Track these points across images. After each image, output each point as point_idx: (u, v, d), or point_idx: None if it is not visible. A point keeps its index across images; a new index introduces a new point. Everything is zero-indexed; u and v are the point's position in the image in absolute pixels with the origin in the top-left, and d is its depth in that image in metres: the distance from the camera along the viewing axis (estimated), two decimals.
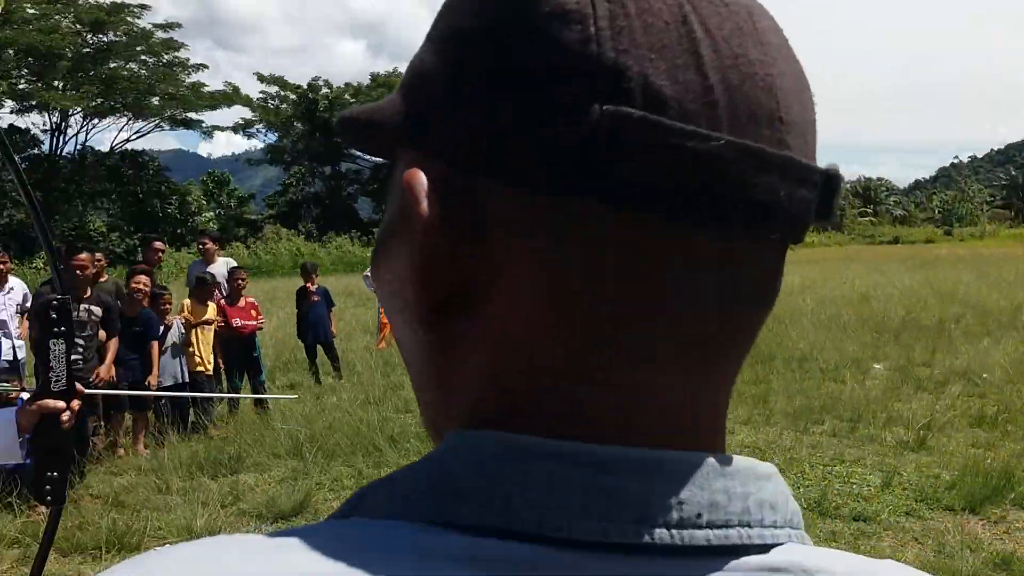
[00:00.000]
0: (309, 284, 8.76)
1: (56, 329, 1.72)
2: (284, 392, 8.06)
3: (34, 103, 27.07)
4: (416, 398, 0.40)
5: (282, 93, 38.86)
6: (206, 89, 32.00)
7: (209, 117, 38.87)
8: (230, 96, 33.65)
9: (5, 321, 6.26)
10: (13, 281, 6.67)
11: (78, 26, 27.40)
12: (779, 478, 0.36)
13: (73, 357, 5.39)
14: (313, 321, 8.67)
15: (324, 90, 39.08)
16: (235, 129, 38.71)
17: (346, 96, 38.93)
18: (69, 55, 26.46)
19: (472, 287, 0.35)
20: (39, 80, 26.67)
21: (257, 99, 37.89)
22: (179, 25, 30.89)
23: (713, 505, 0.32)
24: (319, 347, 8.84)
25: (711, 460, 0.33)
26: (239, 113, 37.77)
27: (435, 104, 0.35)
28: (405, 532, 0.32)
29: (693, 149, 0.31)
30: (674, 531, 0.31)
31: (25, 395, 4.65)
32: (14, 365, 6.21)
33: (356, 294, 16.68)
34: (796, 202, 0.33)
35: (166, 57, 30.43)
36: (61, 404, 1.72)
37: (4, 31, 24.15)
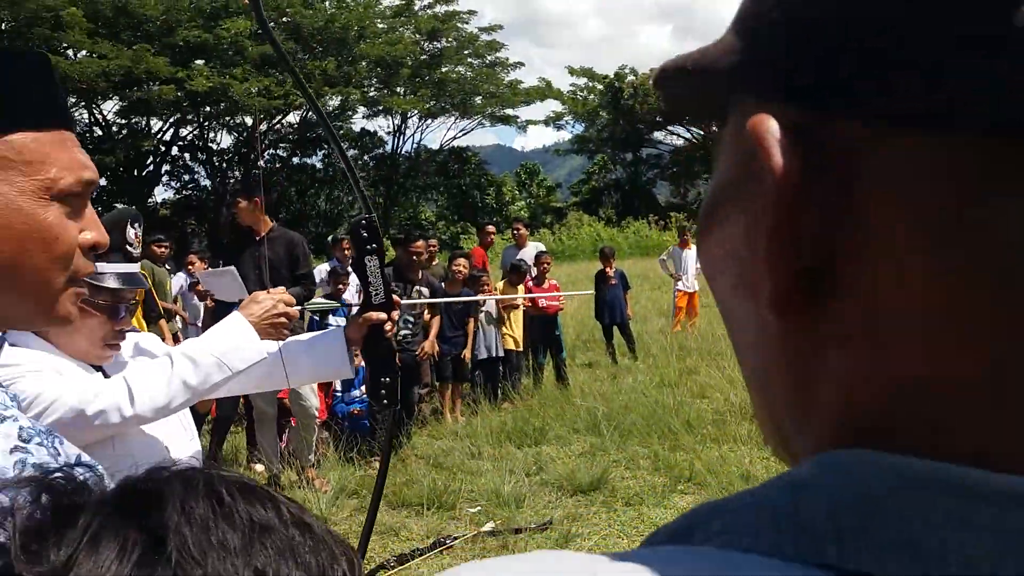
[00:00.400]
0: (607, 268, 8.97)
1: (368, 247, 1.81)
2: (583, 370, 8.34)
3: (380, 108, 30.59)
4: (752, 400, 0.34)
5: (590, 84, 40.06)
6: (522, 86, 33.97)
7: (524, 112, 41.25)
8: (543, 91, 35.39)
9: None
10: None
11: (417, 36, 30.55)
12: None
13: (403, 332, 6.00)
14: (610, 303, 8.88)
15: (630, 78, 39.56)
16: (546, 122, 40.58)
17: (651, 82, 38.99)
18: (409, 63, 29.52)
19: (837, 260, 0.28)
20: (385, 87, 30.12)
21: (567, 92, 39.45)
22: (501, 27, 33.12)
23: None
24: (615, 328, 9.03)
25: None
26: (550, 107, 39.42)
27: (786, 37, 0.28)
28: (776, 570, 0.25)
29: None
30: None
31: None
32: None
33: (652, 278, 16.70)
34: None
35: (489, 58, 32.75)
36: (383, 315, 1.81)
37: (359, 45, 27.67)
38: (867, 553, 0.25)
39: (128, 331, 1.63)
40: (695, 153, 40.91)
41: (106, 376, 1.59)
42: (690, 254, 10.95)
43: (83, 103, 27.48)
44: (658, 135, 41.58)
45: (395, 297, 1.85)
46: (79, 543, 0.40)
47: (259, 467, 5.51)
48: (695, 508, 0.29)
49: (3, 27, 25.23)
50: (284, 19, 27.19)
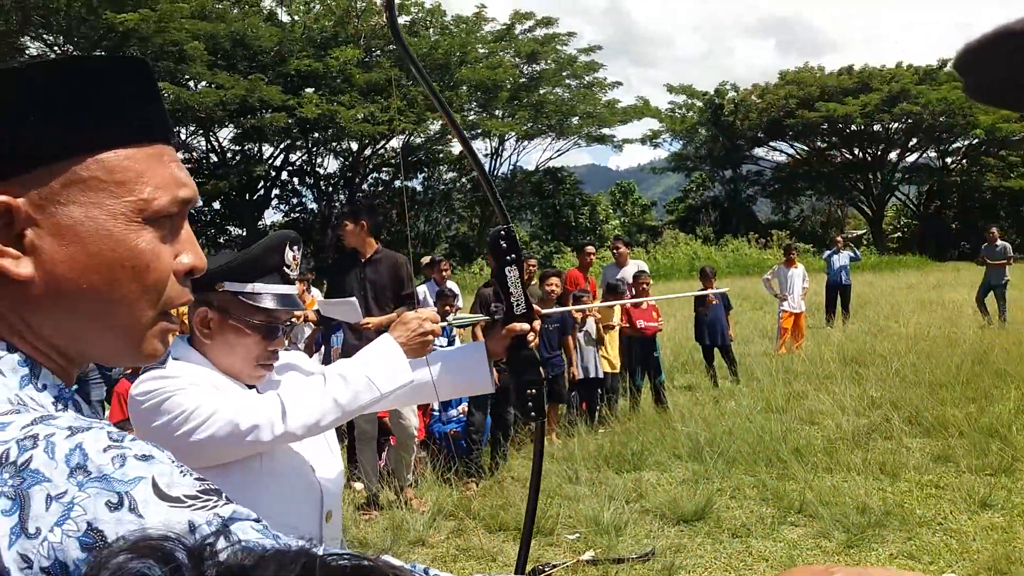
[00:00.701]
0: (708, 287, 8.73)
1: (508, 256, 1.78)
2: (682, 393, 8.12)
3: (479, 131, 31.08)
4: None
5: (689, 101, 39.54)
6: (619, 105, 33.87)
7: (620, 131, 41.01)
8: (640, 110, 35.17)
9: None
10: (451, 284, 7.80)
11: (517, 59, 30.96)
12: None
13: None
14: (711, 324, 8.63)
15: (731, 94, 38.85)
16: (643, 140, 40.28)
17: (752, 98, 38.20)
18: (508, 86, 29.94)
19: None
20: (484, 111, 30.64)
21: (665, 110, 39.09)
22: (599, 48, 33.18)
23: None
24: (716, 350, 8.75)
25: None
26: (647, 125, 39.08)
27: None
28: None
29: None
30: None
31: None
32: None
33: (752, 297, 16.19)
34: None
35: (586, 79, 32.84)
36: (526, 325, 1.77)
37: (460, 70, 28.27)
38: None
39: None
40: (798, 169, 39.63)
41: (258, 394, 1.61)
42: (796, 273, 10.56)
43: (201, 131, 29.11)
44: (759, 151, 40.63)
45: (535, 307, 1.81)
46: None
47: (358, 485, 5.58)
48: None
49: None
50: (389, 47, 28.08)
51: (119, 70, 0.68)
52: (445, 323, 1.86)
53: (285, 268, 1.66)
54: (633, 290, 7.94)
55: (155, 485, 0.56)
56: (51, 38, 26.50)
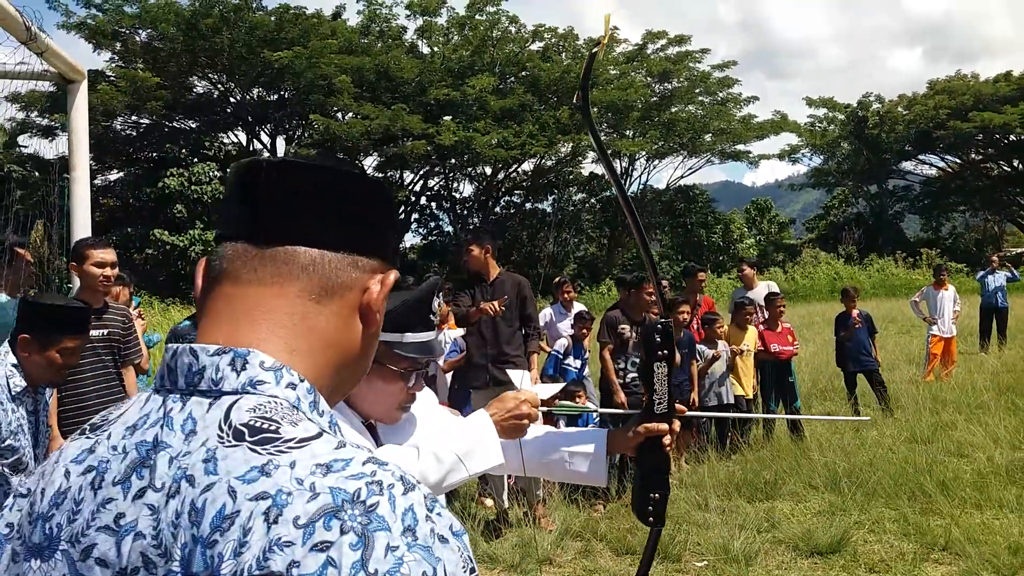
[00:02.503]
0: (851, 309, 8.42)
1: (660, 352, 1.71)
2: (820, 422, 7.86)
3: (609, 152, 31.19)
4: None
5: (830, 114, 37.95)
6: (755, 120, 33.02)
7: (756, 147, 39.95)
8: (778, 124, 34.13)
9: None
10: (578, 306, 7.92)
11: (648, 79, 30.90)
12: None
13: (630, 375, 6.04)
14: (854, 348, 8.30)
15: (875, 105, 36.97)
16: (780, 156, 39.03)
17: (899, 109, 36.16)
18: (639, 106, 29.90)
19: None
20: (615, 131, 30.73)
21: (804, 124, 37.71)
22: (735, 63, 32.55)
23: None
24: (859, 376, 8.40)
25: None
26: (785, 140, 37.78)
27: None
28: None
29: None
30: None
31: (589, 406, 5.45)
32: (580, 378, 7.27)
33: (900, 320, 15.35)
34: None
35: (720, 95, 32.27)
36: (664, 426, 1.71)
37: (591, 93, 28.54)
38: None
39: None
40: (950, 183, 37.10)
41: (376, 438, 1.71)
42: (947, 295, 10.01)
43: (348, 159, 30.79)
44: (907, 165, 38.30)
45: (678, 406, 1.75)
46: None
47: (488, 501, 5.79)
48: None
49: (286, 95, 29.10)
50: (523, 73, 28.74)
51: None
52: (545, 409, 1.80)
53: (431, 316, 1.73)
54: (766, 312, 7.79)
55: (446, 571, 0.65)
56: (215, 77, 28.91)
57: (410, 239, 34.47)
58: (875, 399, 8.30)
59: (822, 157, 38.90)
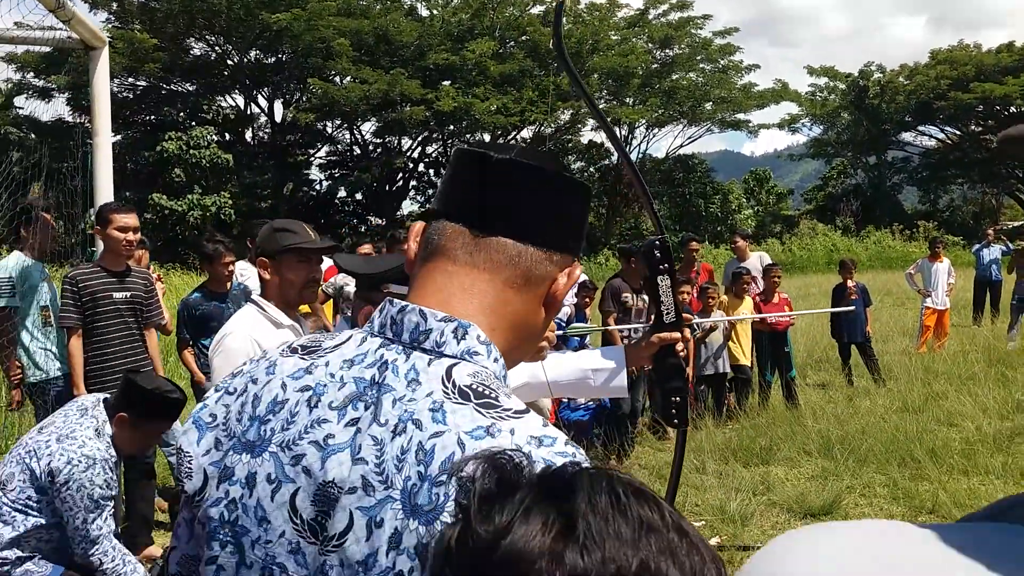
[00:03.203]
0: (847, 281, 8.56)
1: (661, 267, 1.82)
2: (815, 391, 8.07)
3: (609, 119, 31.07)
4: None
5: (831, 84, 37.78)
6: (756, 89, 32.84)
7: (756, 116, 39.68)
8: (779, 93, 33.96)
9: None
10: (582, 275, 8.10)
11: (649, 45, 30.67)
12: None
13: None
14: (850, 320, 8.46)
15: (876, 75, 36.78)
16: (780, 126, 38.85)
17: (900, 79, 35.99)
18: (640, 73, 29.72)
19: None
20: (615, 98, 30.58)
21: (805, 93, 37.52)
22: (736, 30, 32.28)
23: None
24: (853, 347, 8.59)
25: None
26: (785, 109, 37.40)
27: None
28: None
29: None
30: None
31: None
32: (583, 346, 7.44)
33: (895, 293, 15.54)
34: None
35: (722, 63, 32.05)
36: (676, 335, 1.82)
37: (592, 59, 28.34)
38: None
39: None
40: (949, 155, 37.10)
41: None
42: (941, 267, 10.16)
43: (346, 125, 30.65)
44: (907, 136, 38.19)
45: (685, 315, 1.87)
46: (516, 513, 0.51)
47: None
48: (1007, 498, 0.39)
49: (284, 59, 28.88)
50: (523, 38, 28.52)
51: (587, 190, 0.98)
52: (561, 332, 1.96)
53: None
54: (762, 283, 7.93)
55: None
56: (213, 39, 28.66)
57: (408, 206, 34.44)
58: (868, 369, 8.50)
59: (822, 127, 38.78)
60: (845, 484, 5.30)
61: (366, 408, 0.80)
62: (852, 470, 5.55)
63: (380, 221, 32.65)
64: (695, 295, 7.23)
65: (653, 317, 1.88)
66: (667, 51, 30.93)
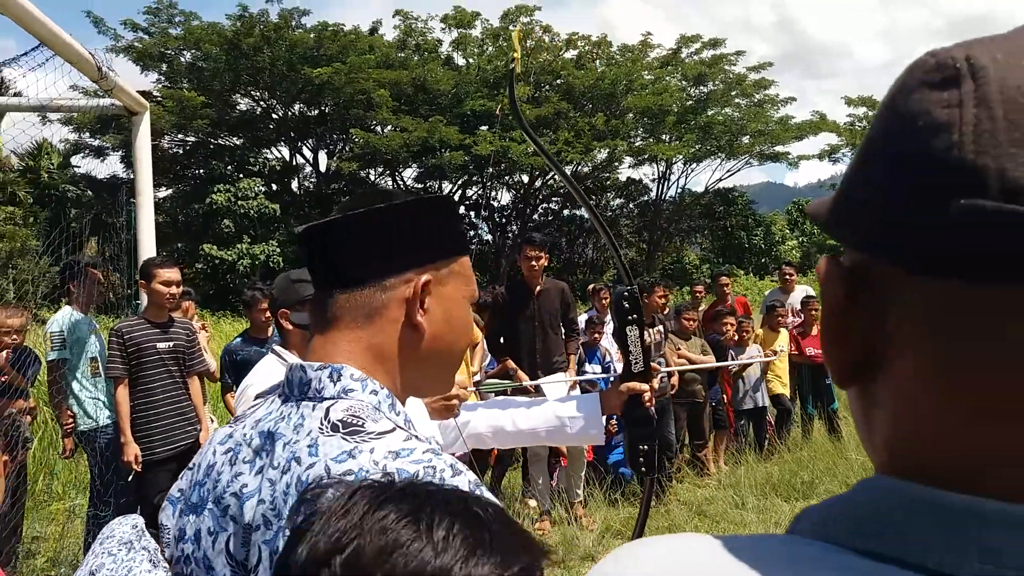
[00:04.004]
0: None
1: (629, 317, 1.86)
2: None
3: (646, 156, 31.20)
4: None
5: (869, 113, 37.41)
6: (793, 121, 32.71)
7: (795, 148, 39.40)
8: (816, 125, 33.74)
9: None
10: None
11: (683, 83, 30.86)
12: None
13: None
14: None
15: None
16: (820, 156, 38.50)
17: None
18: (675, 110, 29.87)
19: (874, 355, 0.43)
20: (651, 136, 30.72)
21: (844, 123, 37.22)
22: (770, 64, 32.34)
23: None
24: None
25: None
26: (825, 140, 36.85)
27: (848, 205, 0.44)
28: (823, 552, 0.42)
29: None
30: None
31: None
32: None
33: None
34: None
35: (757, 97, 32.07)
36: (644, 385, 1.86)
37: (626, 98, 28.60)
38: (864, 538, 0.41)
39: None
40: None
41: None
42: None
43: (388, 172, 31.31)
44: None
45: (654, 366, 1.91)
46: (306, 531, 0.63)
47: (532, 502, 6.00)
48: (803, 510, 0.47)
49: (326, 111, 29.74)
50: (557, 81, 28.95)
51: (455, 206, 1.11)
52: (473, 389, 1.99)
53: None
54: (801, 316, 7.88)
55: None
56: (258, 94, 29.68)
57: None
58: None
59: None
60: None
61: (266, 456, 0.91)
62: None
63: None
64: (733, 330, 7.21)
65: (623, 367, 1.92)
66: (701, 88, 31.05)
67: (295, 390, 0.97)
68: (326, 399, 0.93)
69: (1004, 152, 0.36)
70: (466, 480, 0.86)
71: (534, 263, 5.57)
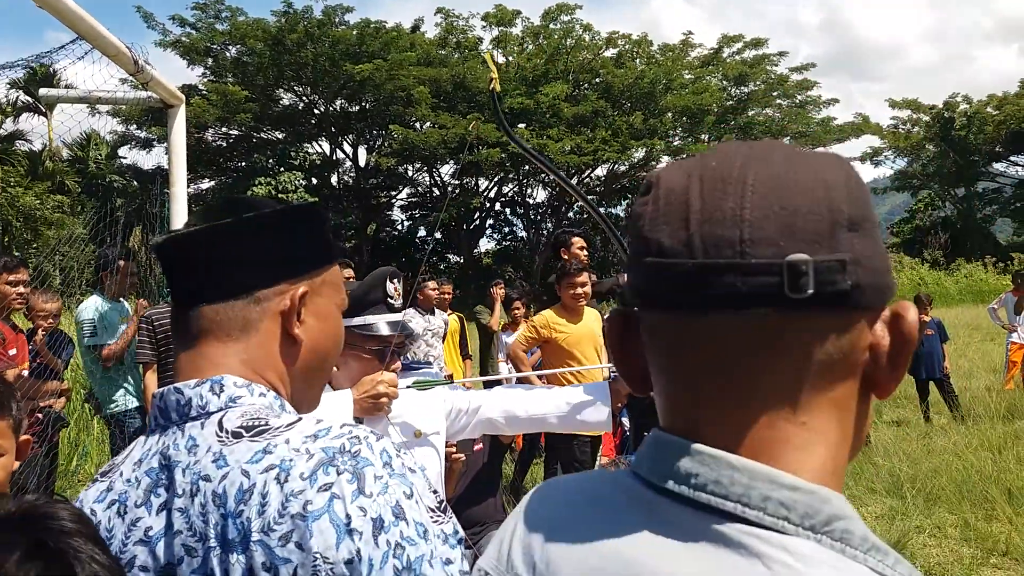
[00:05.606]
0: (923, 316, 8.31)
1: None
2: (889, 428, 7.80)
3: (683, 156, 30.84)
4: None
5: (914, 116, 36.71)
6: (835, 123, 32.23)
7: (836, 150, 38.61)
8: (859, 127, 33.19)
9: None
10: None
11: (724, 82, 30.55)
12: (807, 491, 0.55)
13: None
14: (926, 355, 8.19)
15: (962, 106, 35.51)
16: (862, 159, 37.88)
17: (988, 109, 34.62)
18: (715, 110, 29.59)
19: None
20: (689, 135, 30.49)
21: (887, 126, 36.56)
22: (814, 65, 31.86)
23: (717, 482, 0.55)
24: (932, 384, 8.28)
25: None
26: (867, 143, 36.14)
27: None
28: (613, 475, 0.66)
29: (673, 268, 0.56)
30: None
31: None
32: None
33: (984, 328, 14.81)
34: (753, 287, 0.53)
35: (799, 98, 31.64)
36: None
37: (665, 98, 28.40)
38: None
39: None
40: None
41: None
42: None
43: (425, 168, 31.53)
44: (998, 167, 36.54)
45: None
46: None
47: None
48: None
49: (367, 107, 30.04)
50: (596, 80, 28.86)
51: (325, 215, 1.05)
52: (408, 387, 1.98)
53: (389, 300, 1.93)
54: None
55: (417, 491, 0.82)
56: (300, 89, 30.09)
57: (484, 244, 34.98)
58: (947, 407, 8.19)
59: (906, 160, 37.55)
60: (914, 524, 5.12)
61: (166, 490, 0.86)
62: (922, 509, 5.36)
63: (459, 259, 33.24)
64: None
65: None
66: (742, 88, 30.70)
67: (173, 415, 0.90)
68: (213, 413, 0.89)
69: (660, 226, 0.57)
70: (388, 442, 0.85)
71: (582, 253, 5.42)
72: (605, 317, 1.93)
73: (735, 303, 0.53)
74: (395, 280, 1.98)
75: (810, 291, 0.52)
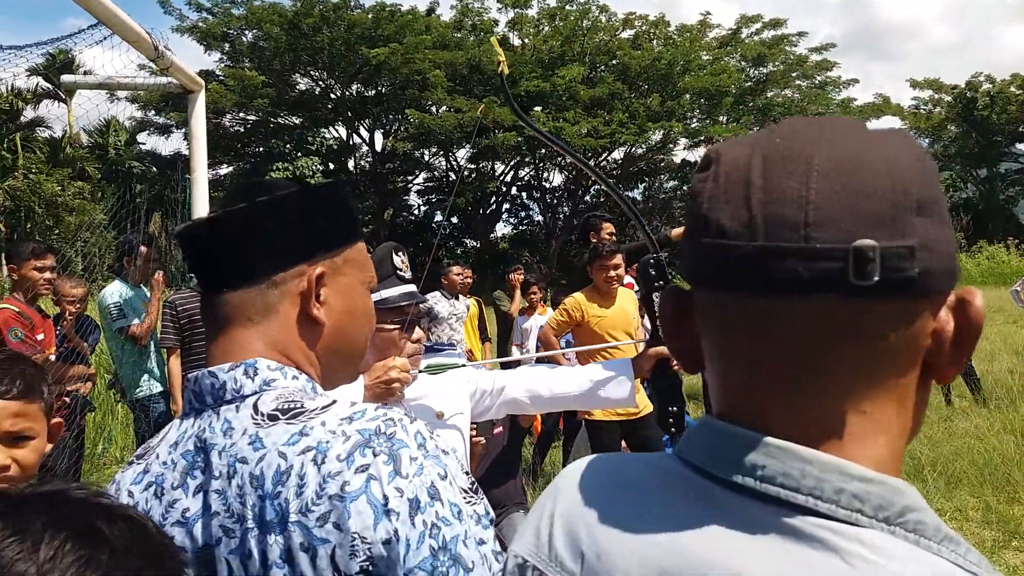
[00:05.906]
0: None
1: (656, 283, 1.91)
2: None
3: (702, 138, 30.71)
4: None
5: (936, 96, 36.14)
6: (855, 104, 31.81)
7: None
8: (879, 108, 32.72)
9: None
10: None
11: (743, 63, 30.19)
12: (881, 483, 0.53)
13: None
14: None
15: (985, 86, 34.89)
16: None
17: (1011, 88, 33.99)
18: (733, 91, 29.26)
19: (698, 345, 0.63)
20: (707, 117, 30.17)
21: (908, 107, 36.00)
22: (833, 45, 31.39)
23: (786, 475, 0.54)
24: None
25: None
26: (887, 124, 35.45)
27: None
28: (664, 458, 0.65)
29: (733, 251, 0.54)
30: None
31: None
32: None
33: (1006, 310, 14.64)
34: (816, 272, 0.51)
35: (818, 78, 31.23)
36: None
37: (683, 79, 28.10)
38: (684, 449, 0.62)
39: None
40: None
41: None
42: None
43: (441, 152, 31.47)
44: (1021, 147, 35.87)
45: None
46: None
47: None
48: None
49: (383, 91, 30.01)
50: (612, 62, 28.61)
51: (343, 193, 1.04)
52: (417, 371, 1.97)
53: (399, 272, 1.94)
54: None
55: (451, 472, 0.84)
56: (317, 74, 30.09)
57: (501, 228, 34.93)
58: (968, 390, 8.12)
59: (927, 140, 36.98)
60: (935, 507, 5.09)
61: (202, 472, 0.87)
62: (943, 492, 5.34)
63: (475, 243, 33.24)
64: None
65: (650, 331, 1.96)
66: (761, 69, 30.33)
67: (208, 398, 0.91)
68: (248, 396, 0.89)
69: (719, 206, 0.55)
70: (422, 424, 0.86)
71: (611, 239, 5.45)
72: (656, 295, 1.93)
73: (797, 288, 0.51)
74: (399, 253, 1.98)
75: (876, 278, 0.50)
